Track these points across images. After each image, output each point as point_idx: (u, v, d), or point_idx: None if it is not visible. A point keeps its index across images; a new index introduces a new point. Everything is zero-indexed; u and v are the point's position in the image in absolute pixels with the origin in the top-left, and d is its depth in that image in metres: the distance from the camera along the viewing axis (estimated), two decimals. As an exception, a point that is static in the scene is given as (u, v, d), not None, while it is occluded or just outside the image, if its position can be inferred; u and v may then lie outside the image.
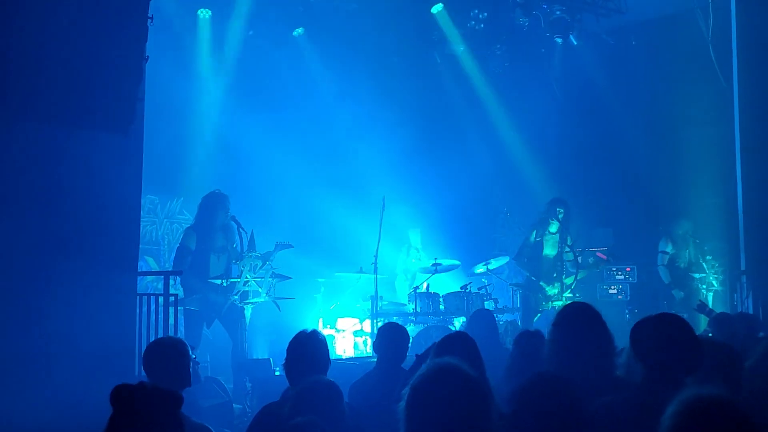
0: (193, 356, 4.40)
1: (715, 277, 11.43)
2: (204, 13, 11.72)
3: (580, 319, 4.04)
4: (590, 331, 3.94)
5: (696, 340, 3.58)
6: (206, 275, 8.99)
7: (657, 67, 13.25)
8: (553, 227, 10.54)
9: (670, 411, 2.46)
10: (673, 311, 8.18)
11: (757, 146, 10.99)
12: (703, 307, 8.68)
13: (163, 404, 2.63)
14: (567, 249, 10.55)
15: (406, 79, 13.49)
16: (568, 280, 10.47)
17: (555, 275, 10.51)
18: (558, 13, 12.44)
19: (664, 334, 3.57)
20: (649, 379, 3.53)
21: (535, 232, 10.61)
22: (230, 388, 8.46)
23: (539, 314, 10.35)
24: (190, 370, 4.40)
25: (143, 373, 4.72)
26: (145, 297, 7.81)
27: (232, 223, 9.04)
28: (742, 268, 10.99)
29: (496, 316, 10.88)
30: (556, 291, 10.39)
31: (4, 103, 6.22)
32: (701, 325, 8.76)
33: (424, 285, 10.97)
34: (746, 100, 11.11)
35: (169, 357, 4.26)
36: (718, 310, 9.53)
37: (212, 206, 9.13)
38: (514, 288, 11.21)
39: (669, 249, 11.52)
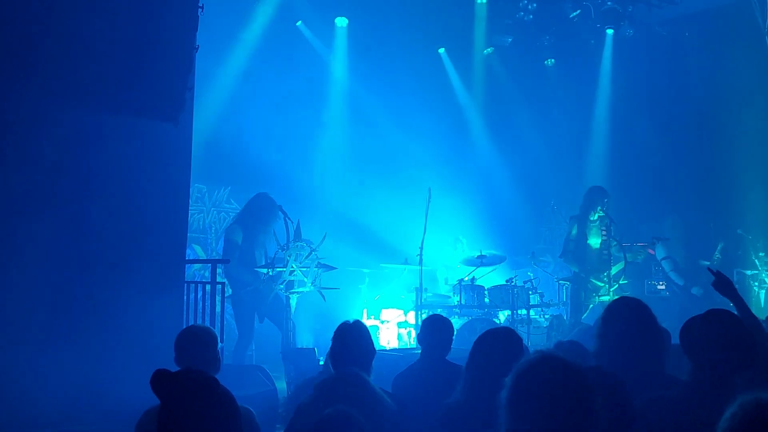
0: (221, 345, 4.47)
1: (768, 274, 11.23)
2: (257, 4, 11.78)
3: (628, 314, 3.97)
4: (639, 327, 3.88)
5: (747, 339, 3.50)
6: (252, 268, 9.16)
7: (711, 59, 12.99)
8: (594, 216, 10.36)
9: (728, 413, 2.40)
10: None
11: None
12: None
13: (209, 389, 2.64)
14: (612, 239, 10.36)
15: (453, 70, 13.42)
16: (615, 270, 10.28)
17: (602, 266, 10.33)
18: (609, 3, 12.26)
19: (713, 331, 3.50)
20: (698, 377, 3.47)
21: (576, 226, 10.45)
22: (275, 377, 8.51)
23: (591, 307, 10.20)
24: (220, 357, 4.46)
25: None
26: (193, 285, 7.90)
27: (279, 213, 9.15)
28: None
29: (543, 310, 10.82)
30: (604, 283, 10.22)
31: (57, 91, 6.31)
32: None
33: (469, 277, 10.91)
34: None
35: (201, 344, 4.32)
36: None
37: (266, 209, 9.36)
38: (561, 283, 11.08)
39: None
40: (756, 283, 11.23)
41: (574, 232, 10.47)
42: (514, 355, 4.02)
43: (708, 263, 10.91)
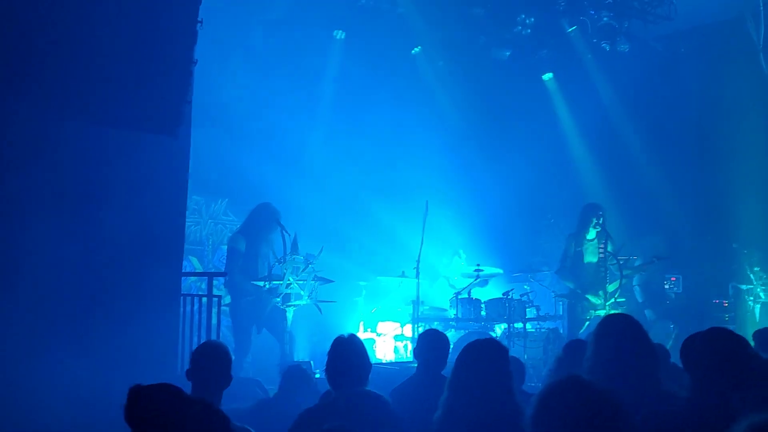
0: (232, 357, 4.55)
1: (763, 289, 11.24)
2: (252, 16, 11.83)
3: (621, 330, 3.99)
4: (632, 343, 3.89)
5: (746, 357, 3.52)
6: (254, 277, 9.23)
7: (706, 75, 13.05)
8: (591, 234, 10.40)
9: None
10: None
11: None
12: None
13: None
14: (610, 255, 10.40)
15: (451, 84, 13.47)
16: (612, 287, 10.32)
17: (598, 283, 10.37)
18: (605, 19, 12.34)
19: (713, 348, 3.52)
20: (696, 392, 3.48)
21: (573, 243, 10.49)
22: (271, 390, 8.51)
23: (587, 323, 10.22)
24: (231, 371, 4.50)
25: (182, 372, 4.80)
26: (189, 297, 7.90)
27: (277, 226, 9.19)
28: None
29: (539, 324, 10.84)
30: (600, 300, 10.26)
31: (55, 103, 6.34)
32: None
33: (466, 291, 10.93)
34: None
35: (217, 360, 4.37)
36: (766, 323, 9.39)
37: (266, 218, 9.42)
38: (558, 298, 11.10)
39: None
40: (751, 298, 11.26)
41: (571, 250, 10.50)
42: (497, 367, 4.05)
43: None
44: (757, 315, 10.82)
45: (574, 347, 4.81)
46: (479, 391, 3.93)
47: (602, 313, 9.89)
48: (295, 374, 6.04)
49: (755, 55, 11.28)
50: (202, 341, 6.28)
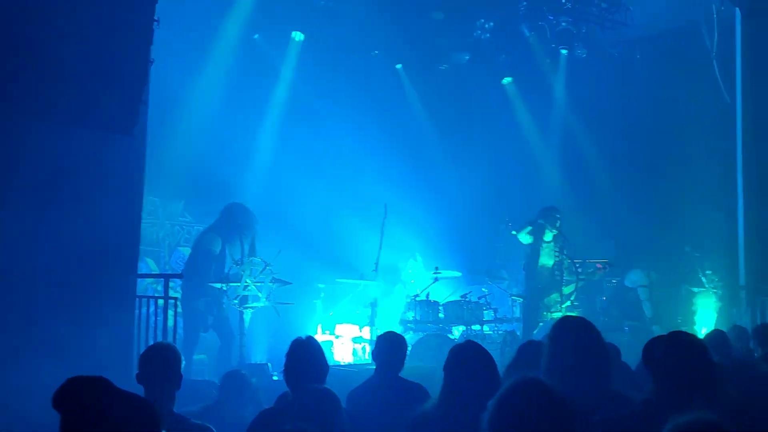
0: (184, 362, 4.47)
1: (715, 291, 11.43)
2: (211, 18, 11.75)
3: (574, 332, 4.01)
4: (585, 345, 3.91)
5: (708, 361, 3.57)
6: (221, 280, 9.14)
7: (661, 81, 13.27)
8: (548, 236, 10.51)
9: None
10: None
11: (758, 162, 11.00)
12: None
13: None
14: (565, 258, 10.52)
15: (411, 88, 13.51)
16: (568, 290, 10.44)
17: (554, 285, 10.48)
18: (564, 24, 12.47)
19: (676, 352, 3.56)
20: (658, 396, 3.52)
21: (533, 239, 10.58)
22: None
23: (540, 325, 10.33)
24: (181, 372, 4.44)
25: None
26: (145, 299, 7.81)
27: (253, 230, 9.16)
28: (741, 283, 11.00)
29: (497, 326, 10.91)
30: (555, 301, 10.36)
31: (9, 102, 6.23)
32: None
33: (424, 293, 10.96)
34: (749, 115, 11.13)
35: (169, 360, 4.30)
36: (718, 325, 9.55)
37: (240, 218, 9.41)
38: (515, 298, 11.19)
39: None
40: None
41: (526, 241, 10.62)
42: (490, 372, 4.06)
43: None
44: (712, 320, 10.97)
45: (527, 349, 4.83)
46: (473, 396, 3.94)
47: (557, 315, 9.99)
48: (233, 380, 6.00)
49: (709, 62, 11.47)
50: (158, 344, 6.20)
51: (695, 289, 11.41)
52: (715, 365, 3.58)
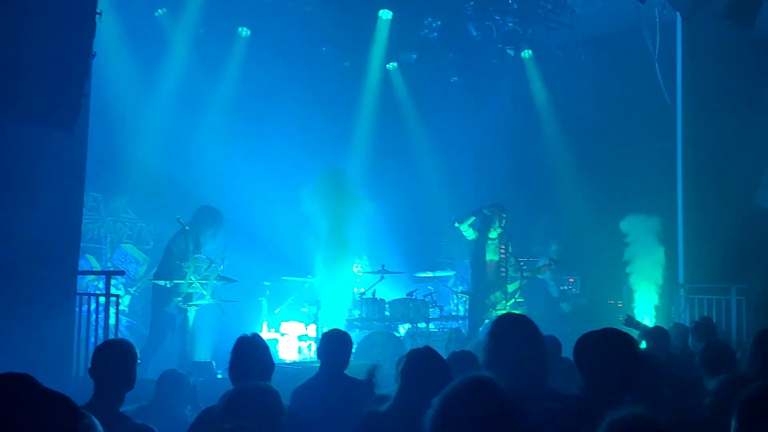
0: (139, 361, 4.37)
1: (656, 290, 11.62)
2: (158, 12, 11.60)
3: (513, 329, 4.04)
4: (523, 342, 3.94)
5: (637, 357, 3.62)
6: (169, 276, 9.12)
7: (605, 82, 13.51)
8: (494, 233, 10.62)
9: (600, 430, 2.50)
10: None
11: (696, 163, 11.26)
12: (630, 321, 8.77)
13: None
14: (510, 256, 10.64)
15: (356, 85, 13.50)
16: (512, 287, 10.55)
17: (499, 282, 10.59)
18: (510, 25, 12.58)
19: (606, 349, 3.59)
20: (589, 392, 3.56)
21: (477, 235, 10.68)
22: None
23: (486, 322, 10.41)
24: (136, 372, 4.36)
25: (80, 374, 4.64)
26: (85, 296, 7.69)
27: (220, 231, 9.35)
28: (680, 281, 11.23)
29: (442, 324, 10.97)
30: (499, 298, 10.46)
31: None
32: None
33: (370, 291, 10.97)
34: (688, 117, 11.38)
35: (121, 359, 4.22)
36: (659, 323, 9.74)
37: (212, 221, 9.48)
38: (460, 296, 11.28)
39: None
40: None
41: (470, 236, 10.72)
42: (446, 378, 4.07)
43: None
44: (652, 317, 11.16)
45: (457, 359, 4.86)
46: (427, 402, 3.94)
47: (502, 312, 10.09)
48: (169, 380, 5.93)
49: (651, 64, 11.68)
50: (100, 342, 6.10)
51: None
52: (644, 362, 3.63)
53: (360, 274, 11.74)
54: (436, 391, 3.78)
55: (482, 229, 10.70)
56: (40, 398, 2.38)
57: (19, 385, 2.45)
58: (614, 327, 3.78)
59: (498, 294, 10.51)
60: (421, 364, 4.09)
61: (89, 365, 4.25)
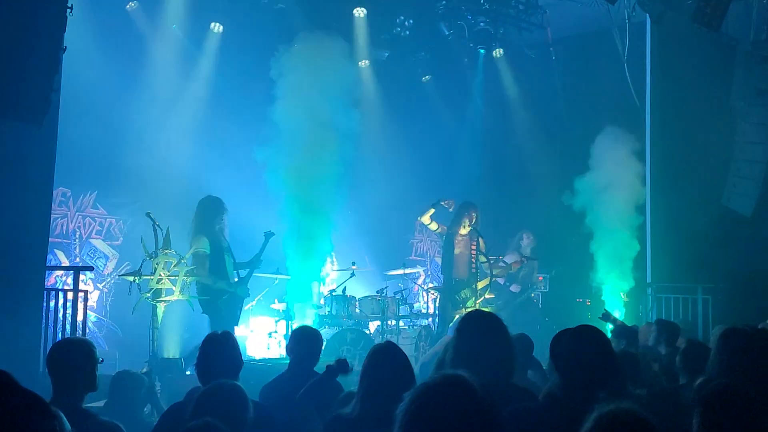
0: (100, 360, 4.28)
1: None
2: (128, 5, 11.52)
3: (480, 326, 4.06)
4: (490, 339, 3.96)
5: (611, 355, 3.65)
6: (225, 276, 9.20)
7: (575, 83, 13.63)
8: (464, 230, 10.69)
9: (585, 427, 2.52)
10: None
11: (665, 165, 11.41)
12: (607, 316, 8.90)
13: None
14: (480, 253, 10.71)
15: (328, 83, 13.47)
16: (482, 284, 10.61)
17: (468, 279, 10.64)
18: (482, 24, 12.66)
19: (581, 347, 3.62)
20: (565, 390, 3.58)
21: (448, 231, 10.74)
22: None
23: (455, 318, 10.46)
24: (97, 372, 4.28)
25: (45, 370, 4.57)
26: (54, 292, 7.63)
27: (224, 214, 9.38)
28: (648, 280, 11.38)
29: (412, 321, 11.00)
30: (469, 295, 10.53)
31: None
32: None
33: (340, 288, 10.99)
34: (657, 118, 11.53)
35: (76, 358, 4.14)
36: (626, 321, 9.86)
37: (214, 210, 9.44)
38: (430, 292, 11.33)
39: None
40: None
41: (444, 243, 10.78)
42: (408, 373, 4.10)
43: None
44: (621, 315, 11.28)
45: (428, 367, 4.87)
46: (390, 398, 3.96)
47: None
48: (122, 381, 5.90)
49: (621, 67, 11.82)
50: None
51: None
52: (618, 360, 3.67)
53: (330, 271, 11.76)
54: (397, 387, 3.83)
55: (452, 225, 10.77)
56: (14, 397, 2.37)
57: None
58: (590, 325, 3.80)
59: (467, 291, 10.57)
60: (381, 359, 4.12)
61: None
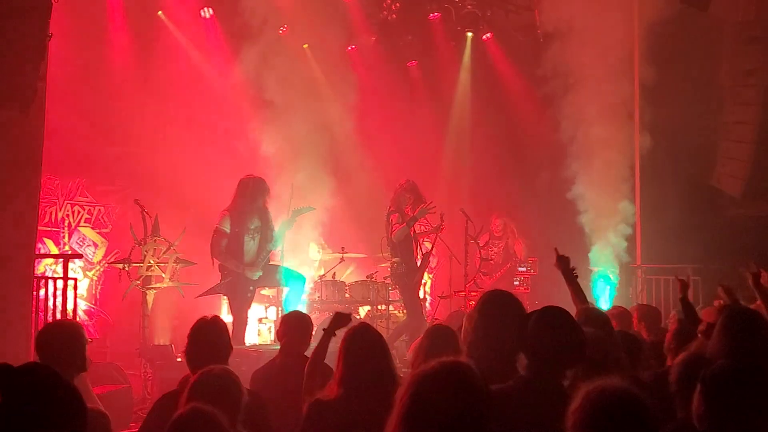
0: (89, 341, 4.28)
1: (613, 271, 11.73)
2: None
3: (504, 305, 4.07)
4: (511, 319, 3.92)
5: (578, 334, 3.66)
6: (240, 257, 9.09)
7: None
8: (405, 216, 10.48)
9: (574, 405, 2.53)
10: None
11: (654, 147, 11.42)
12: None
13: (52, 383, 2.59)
14: (416, 235, 10.58)
15: (317, 67, 13.42)
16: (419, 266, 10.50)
17: (415, 263, 10.44)
18: (469, 7, 12.62)
19: (545, 327, 3.64)
20: (532, 370, 3.61)
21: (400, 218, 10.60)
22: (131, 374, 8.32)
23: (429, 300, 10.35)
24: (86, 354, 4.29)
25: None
26: (43, 280, 7.62)
27: (264, 193, 9.37)
28: (638, 262, 11.42)
29: (402, 306, 10.99)
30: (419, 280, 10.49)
31: None
32: None
33: (330, 274, 11.00)
34: (646, 99, 11.52)
35: (64, 340, 4.14)
36: (616, 303, 9.90)
37: (253, 190, 9.31)
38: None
39: None
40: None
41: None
42: (381, 350, 4.13)
43: None
44: (597, 299, 11.23)
45: (436, 334, 4.83)
46: (369, 380, 4.00)
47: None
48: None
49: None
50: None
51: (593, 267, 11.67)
52: (585, 339, 3.67)
53: (320, 256, 11.75)
54: (375, 367, 3.85)
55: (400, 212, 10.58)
56: (59, 390, 2.48)
57: (45, 375, 2.53)
58: (556, 306, 3.79)
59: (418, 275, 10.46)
60: (359, 341, 4.17)
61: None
